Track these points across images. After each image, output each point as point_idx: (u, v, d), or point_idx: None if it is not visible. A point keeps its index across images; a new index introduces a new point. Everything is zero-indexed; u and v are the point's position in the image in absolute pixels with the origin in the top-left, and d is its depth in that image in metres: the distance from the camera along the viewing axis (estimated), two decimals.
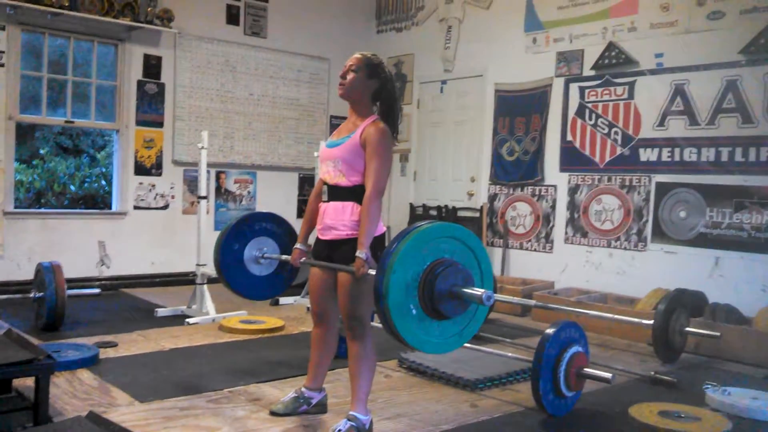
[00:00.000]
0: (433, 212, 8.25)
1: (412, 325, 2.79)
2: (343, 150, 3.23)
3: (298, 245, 3.58)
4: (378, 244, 3.20)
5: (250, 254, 3.97)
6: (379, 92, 3.32)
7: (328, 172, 3.31)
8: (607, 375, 3.72)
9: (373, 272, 3.00)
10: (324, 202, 3.34)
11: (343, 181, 3.24)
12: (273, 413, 3.54)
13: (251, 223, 3.99)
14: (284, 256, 3.89)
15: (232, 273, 3.94)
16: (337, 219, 3.25)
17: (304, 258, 3.55)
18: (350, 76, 3.28)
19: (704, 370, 4.89)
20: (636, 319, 5.05)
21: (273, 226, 4.05)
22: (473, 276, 2.92)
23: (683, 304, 5.06)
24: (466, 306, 2.90)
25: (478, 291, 2.79)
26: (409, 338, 2.79)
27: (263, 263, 4.00)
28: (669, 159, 6.29)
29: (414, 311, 2.79)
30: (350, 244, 3.17)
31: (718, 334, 4.91)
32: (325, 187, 3.34)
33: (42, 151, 9.79)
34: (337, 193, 3.27)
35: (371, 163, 3.16)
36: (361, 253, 3.07)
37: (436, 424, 3.53)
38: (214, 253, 3.95)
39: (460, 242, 2.94)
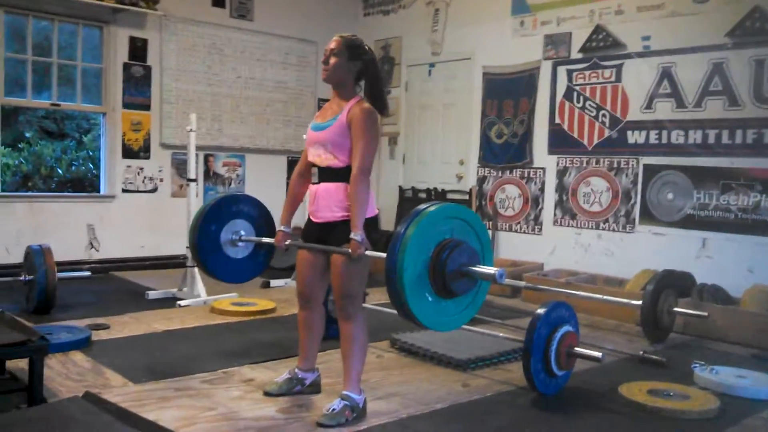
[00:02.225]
0: (422, 195, 8.27)
1: (428, 308, 2.90)
2: (330, 133, 3.24)
3: (282, 227, 3.59)
4: (371, 225, 3.23)
5: (227, 237, 3.96)
6: (363, 72, 3.33)
7: (318, 156, 3.32)
8: (597, 354, 3.76)
9: (369, 253, 3.04)
10: (314, 183, 3.35)
11: (335, 163, 3.25)
12: (267, 393, 3.56)
13: (227, 205, 3.97)
14: (265, 239, 3.89)
15: (208, 255, 3.91)
16: (330, 200, 3.26)
17: (289, 240, 3.55)
18: (332, 60, 3.28)
19: (692, 349, 4.95)
20: (625, 300, 5.12)
21: (249, 208, 4.02)
22: (477, 252, 3.02)
23: (671, 284, 5.12)
24: (473, 284, 3.01)
25: (490, 270, 2.93)
26: (420, 317, 2.88)
27: (240, 246, 3.99)
28: (656, 141, 6.33)
29: (428, 295, 2.89)
30: (345, 225, 3.18)
31: (705, 314, 4.97)
32: (314, 170, 3.34)
33: (28, 135, 9.71)
34: (328, 174, 3.28)
35: (357, 142, 3.17)
36: (356, 234, 3.09)
37: (429, 404, 3.57)
38: (190, 235, 3.95)
39: (466, 223, 3.04)
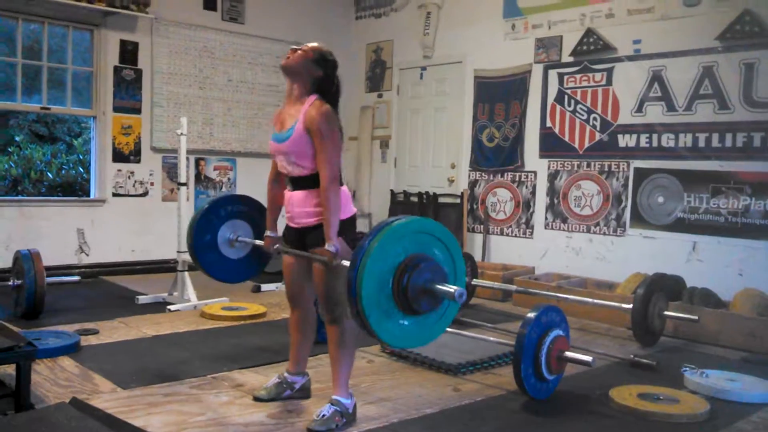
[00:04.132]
0: (414, 199, 8.27)
1: (383, 319, 2.78)
2: (290, 144, 3.21)
3: (268, 233, 3.60)
4: (348, 227, 3.23)
5: (224, 237, 3.96)
6: (321, 82, 3.28)
7: (283, 166, 3.31)
8: (588, 358, 3.76)
9: (345, 263, 2.98)
10: (289, 191, 3.34)
11: (302, 172, 3.24)
12: (256, 399, 3.55)
13: (225, 205, 3.98)
14: (257, 242, 3.89)
15: (205, 256, 3.93)
16: (301, 207, 3.26)
17: (277, 245, 3.55)
18: (299, 53, 3.28)
19: (682, 353, 4.96)
20: (615, 304, 5.15)
21: (249, 209, 4.04)
22: (446, 272, 2.92)
23: (662, 288, 5.13)
24: (439, 301, 2.89)
25: (450, 288, 2.78)
26: (379, 332, 2.78)
27: (237, 246, 3.99)
28: (647, 145, 6.34)
29: (386, 305, 2.78)
30: (320, 229, 3.18)
31: (695, 317, 4.98)
32: (287, 178, 3.35)
33: (17, 138, 9.66)
34: (299, 182, 3.28)
35: (321, 151, 3.14)
36: (330, 246, 3.09)
37: (420, 408, 3.56)
38: (187, 236, 3.95)
39: (434, 237, 2.92)
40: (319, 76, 3.28)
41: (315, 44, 3.34)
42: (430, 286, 2.80)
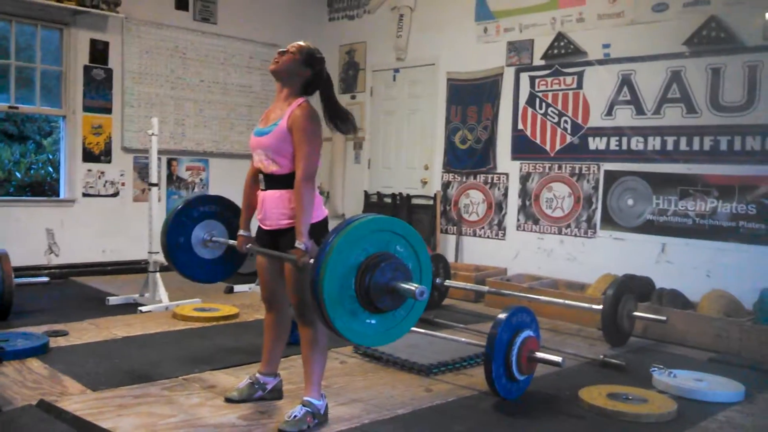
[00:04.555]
0: (388, 200, 8.29)
1: (348, 319, 2.80)
2: (271, 138, 3.22)
3: (241, 232, 3.58)
4: (320, 230, 3.21)
5: (198, 237, 3.96)
6: (311, 83, 3.32)
7: (261, 162, 3.30)
8: (558, 359, 3.80)
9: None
10: (261, 190, 3.33)
11: (276, 170, 3.24)
12: (228, 400, 3.53)
13: (201, 205, 3.99)
14: (231, 241, 3.88)
15: (179, 256, 3.94)
16: (275, 208, 3.25)
17: (250, 244, 3.54)
18: (287, 56, 3.29)
19: (651, 353, 5.02)
20: (586, 305, 5.21)
21: (222, 209, 4.05)
22: (412, 272, 2.93)
23: (631, 289, 5.20)
24: (402, 300, 2.90)
25: (412, 286, 2.80)
26: (344, 331, 2.80)
27: (211, 246, 3.99)
28: (617, 148, 6.42)
29: (350, 305, 2.80)
30: (292, 231, 3.18)
31: (664, 318, 5.05)
32: (261, 176, 3.33)
33: None
34: (272, 181, 3.27)
35: (300, 148, 3.15)
36: (300, 243, 3.08)
37: (392, 408, 3.57)
38: (161, 235, 3.94)
39: (402, 237, 2.94)
40: (308, 76, 3.30)
41: (301, 43, 3.34)
42: (393, 284, 2.81)
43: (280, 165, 3.22)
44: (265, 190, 3.30)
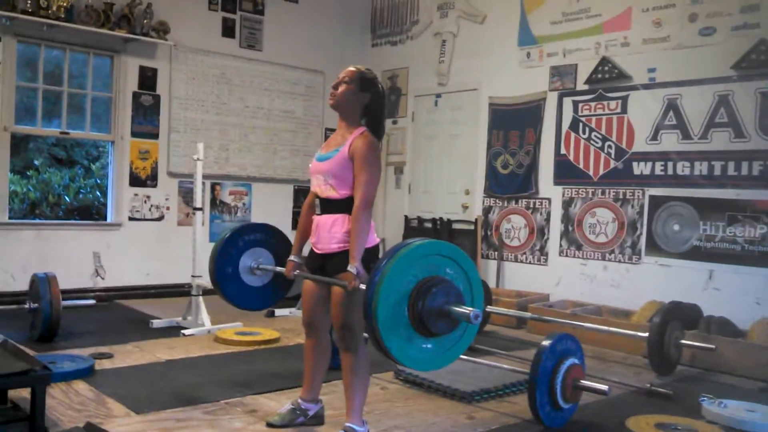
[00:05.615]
0: (428, 225, 8.27)
1: (402, 343, 2.80)
2: (332, 164, 3.25)
3: (292, 257, 3.59)
4: (371, 256, 3.22)
5: (246, 265, 3.98)
6: (370, 106, 3.35)
7: (318, 186, 3.33)
8: (604, 387, 3.73)
9: (364, 286, 2.98)
10: (317, 215, 3.36)
11: (333, 195, 3.26)
12: (270, 425, 3.53)
13: (247, 233, 4.01)
14: (278, 268, 3.90)
15: (227, 283, 3.95)
16: (329, 232, 3.27)
17: (298, 270, 3.55)
18: (342, 87, 3.32)
19: (699, 382, 4.90)
20: (631, 332, 5.10)
21: (268, 236, 4.06)
22: (463, 293, 2.93)
23: (678, 316, 5.09)
24: (456, 324, 2.90)
25: (466, 309, 2.80)
26: (398, 355, 2.80)
27: (258, 274, 4.01)
28: (662, 173, 6.33)
29: (403, 329, 2.80)
30: (342, 255, 3.19)
31: (713, 346, 4.94)
32: (317, 200, 3.36)
33: (36, 162, 9.77)
34: (328, 206, 3.29)
35: (360, 175, 3.19)
36: (352, 267, 3.09)
37: None
38: (210, 263, 3.96)
39: (451, 260, 2.94)
40: (367, 101, 3.34)
41: (352, 69, 3.37)
42: (446, 309, 2.82)
43: (338, 190, 3.25)
44: (321, 214, 3.32)
